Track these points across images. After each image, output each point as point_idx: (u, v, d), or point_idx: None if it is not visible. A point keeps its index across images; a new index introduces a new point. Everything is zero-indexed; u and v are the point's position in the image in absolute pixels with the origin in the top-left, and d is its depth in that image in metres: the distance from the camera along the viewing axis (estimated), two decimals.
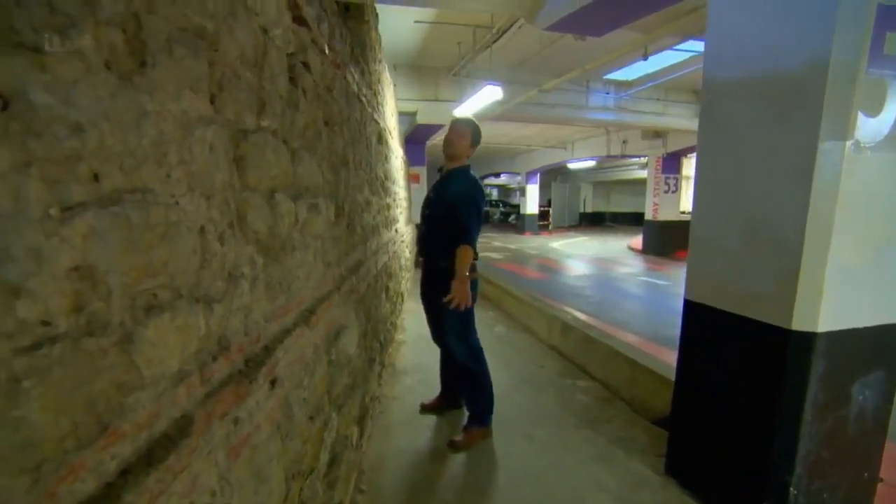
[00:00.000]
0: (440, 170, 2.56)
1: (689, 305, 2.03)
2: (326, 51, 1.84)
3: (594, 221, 26.02)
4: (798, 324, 1.50)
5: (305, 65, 1.54)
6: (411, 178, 8.08)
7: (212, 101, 0.86)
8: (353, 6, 3.07)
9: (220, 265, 0.84)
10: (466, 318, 2.42)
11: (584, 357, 3.64)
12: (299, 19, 1.48)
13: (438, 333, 2.62)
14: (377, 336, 2.78)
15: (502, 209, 24.75)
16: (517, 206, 21.62)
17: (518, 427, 2.69)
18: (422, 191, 8.82)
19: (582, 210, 25.71)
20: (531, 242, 15.08)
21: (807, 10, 1.44)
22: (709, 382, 1.91)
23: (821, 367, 1.52)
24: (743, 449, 1.73)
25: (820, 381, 1.53)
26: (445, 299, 2.24)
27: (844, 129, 1.36)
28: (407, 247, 6.13)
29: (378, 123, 3.50)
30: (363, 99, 2.76)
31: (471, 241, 2.27)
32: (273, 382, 0.96)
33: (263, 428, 0.89)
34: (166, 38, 0.71)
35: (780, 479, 1.61)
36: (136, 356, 0.58)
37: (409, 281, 6.23)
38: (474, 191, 2.33)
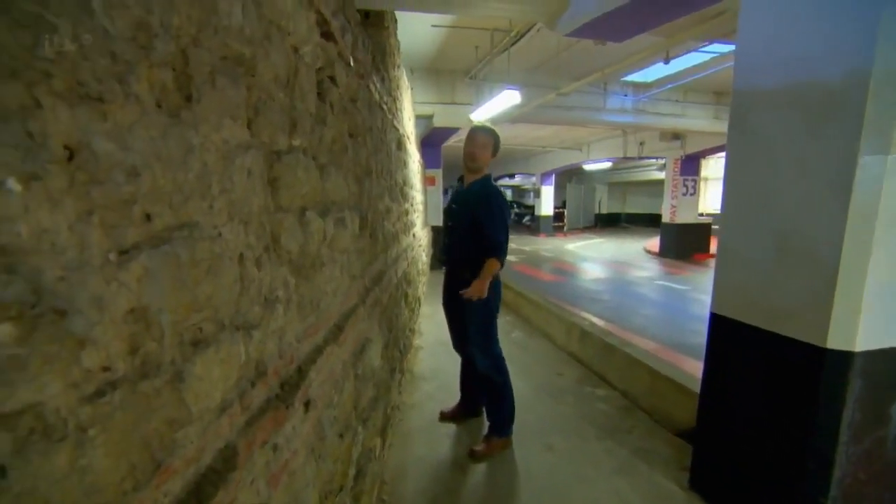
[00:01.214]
0: (460, 179, 2.56)
1: (715, 319, 1.99)
2: (351, 62, 1.84)
3: (609, 222, 25.76)
4: (834, 342, 1.46)
5: (332, 79, 1.55)
6: (427, 181, 8.09)
7: (248, 126, 0.87)
8: (373, 13, 3.08)
9: (257, 291, 0.84)
10: (489, 327, 2.41)
11: (602, 365, 3.60)
12: (327, 34, 1.49)
13: (460, 342, 2.62)
14: (397, 345, 2.79)
15: (516, 210, 24.60)
16: (532, 207, 21.50)
17: (538, 436, 2.67)
18: (437, 193, 8.83)
19: (597, 211, 25.47)
20: (546, 244, 14.99)
21: (846, 19, 1.40)
22: (737, 398, 1.87)
23: (858, 386, 1.48)
24: (773, 468, 1.69)
25: (857, 401, 1.49)
26: (462, 292, 2.25)
27: (887, 144, 1.32)
28: (423, 251, 6.14)
29: (397, 130, 3.51)
30: (384, 107, 2.77)
31: (500, 255, 2.27)
32: (307, 405, 0.96)
33: (300, 452, 0.89)
34: (210, 69, 0.72)
35: (813, 501, 1.57)
36: (186, 393, 0.58)
37: (424, 285, 6.24)
38: (499, 202, 2.32)
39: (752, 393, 1.79)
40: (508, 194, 31.81)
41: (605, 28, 2.90)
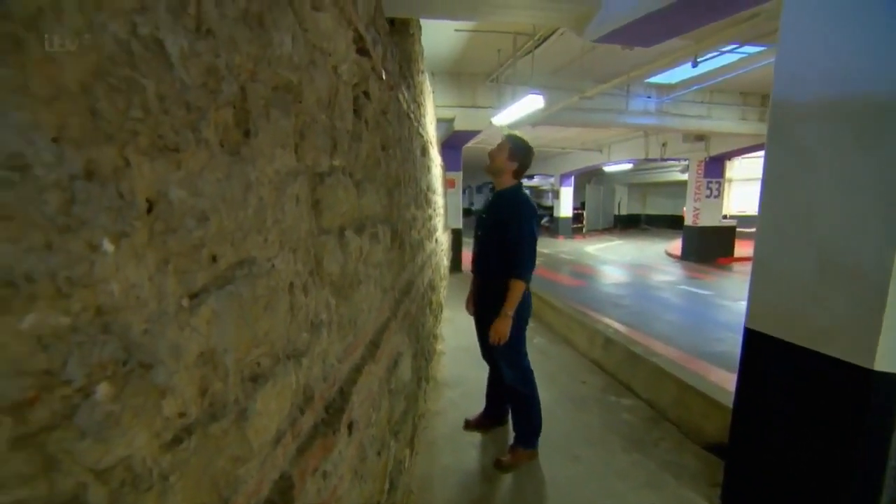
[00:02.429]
0: (492, 189, 2.55)
1: (750, 334, 1.94)
2: (383, 75, 1.85)
3: (629, 224, 25.43)
4: (882, 364, 1.41)
5: (366, 94, 1.55)
6: (447, 184, 8.09)
7: (295, 152, 0.88)
8: (399, 20, 3.09)
9: (304, 317, 0.85)
10: (517, 340, 2.40)
11: (627, 374, 3.55)
12: (362, 50, 1.50)
13: (488, 352, 2.61)
14: (424, 353, 2.80)
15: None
16: (550, 208, 21.34)
17: (564, 447, 2.65)
18: (457, 196, 8.83)
19: (617, 212, 25.17)
20: (565, 246, 14.87)
21: None
22: (774, 415, 1.83)
23: None
24: (814, 489, 1.65)
25: None
26: (490, 339, 2.26)
27: None
28: (445, 254, 6.15)
29: (422, 136, 3.52)
30: (411, 115, 2.78)
31: (524, 275, 2.24)
32: (350, 427, 0.97)
33: (345, 477, 0.90)
34: (264, 102, 0.73)
35: None
36: (248, 430, 0.59)
37: (445, 289, 6.24)
38: (527, 214, 2.28)
39: (790, 411, 1.75)
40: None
41: (634, 34, 2.86)
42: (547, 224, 21.17)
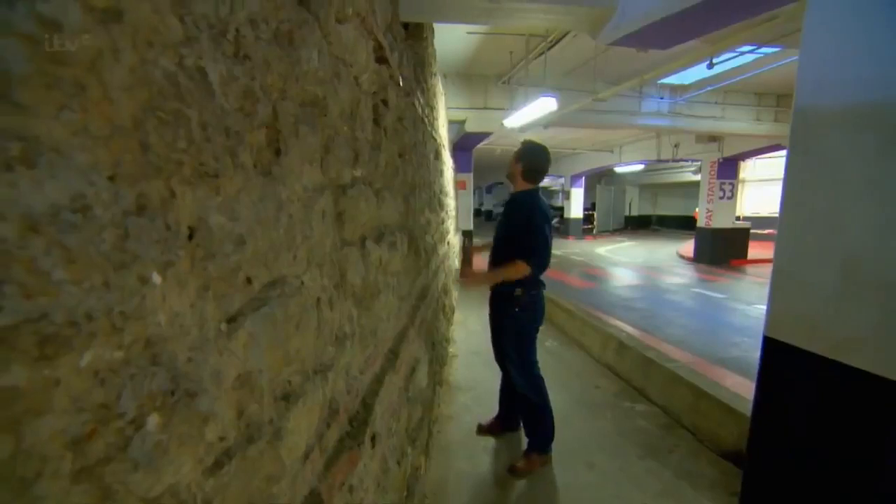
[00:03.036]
0: (492, 223, 2.58)
1: (769, 343, 1.91)
2: (401, 82, 1.86)
3: (640, 225, 25.22)
4: None
5: (385, 102, 1.56)
6: (458, 185, 8.09)
7: (320, 166, 0.89)
8: (413, 24, 3.10)
9: (330, 331, 0.86)
10: (524, 347, 2.40)
11: (641, 379, 3.52)
12: (381, 58, 1.50)
13: (500, 357, 2.61)
14: (438, 359, 2.80)
15: None
16: (560, 209, 21.26)
17: (578, 453, 2.63)
18: (468, 197, 8.82)
19: (627, 213, 24.98)
20: (575, 248, 14.78)
21: None
22: (794, 427, 1.80)
23: None
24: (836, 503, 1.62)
25: None
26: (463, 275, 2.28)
27: None
28: (456, 257, 6.14)
29: (435, 140, 3.52)
30: (425, 120, 2.78)
31: (531, 260, 2.20)
32: (373, 439, 0.97)
33: (370, 489, 0.91)
34: (293, 120, 0.73)
35: None
36: (281, 449, 0.60)
37: (456, 291, 6.24)
38: (532, 216, 2.27)
39: (812, 422, 1.72)
40: None
41: (650, 37, 2.83)
42: (557, 225, 21.08)
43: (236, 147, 0.52)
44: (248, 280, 0.56)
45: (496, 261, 2.40)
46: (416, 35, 3.05)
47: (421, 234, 2.36)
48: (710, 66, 4.45)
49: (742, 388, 3.32)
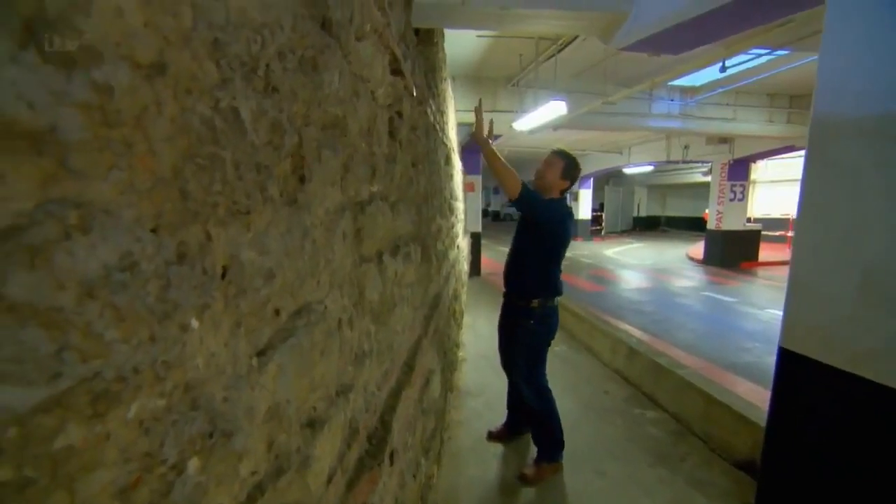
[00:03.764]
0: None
1: (784, 354, 1.90)
2: (414, 92, 1.86)
3: (648, 226, 25.06)
4: None
5: (399, 114, 1.56)
6: (466, 187, 8.08)
7: (341, 186, 0.89)
8: (424, 30, 3.10)
9: (350, 351, 0.86)
10: (534, 359, 2.40)
11: (652, 385, 3.50)
12: (396, 70, 1.51)
13: (508, 365, 2.61)
14: (450, 366, 2.80)
15: None
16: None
17: (589, 461, 2.62)
18: (476, 199, 8.81)
19: (636, 214, 24.83)
20: (583, 249, 14.72)
21: None
22: (810, 439, 1.78)
23: None
24: None
25: None
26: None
27: None
28: (465, 260, 6.14)
29: (446, 146, 3.52)
30: (437, 126, 2.78)
31: (521, 187, 2.22)
32: (392, 456, 0.98)
33: None
34: (316, 144, 0.74)
35: None
36: (308, 476, 0.60)
37: (465, 294, 6.24)
38: (555, 212, 2.31)
39: (828, 435, 1.70)
40: None
41: (663, 43, 2.82)
42: None
43: (266, 181, 0.53)
44: (277, 312, 0.56)
45: (517, 273, 2.38)
46: (427, 40, 3.05)
47: (432, 242, 2.36)
48: (723, 69, 4.41)
49: (755, 396, 3.29)
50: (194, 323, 0.39)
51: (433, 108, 2.60)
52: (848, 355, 1.62)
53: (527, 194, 2.21)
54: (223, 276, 0.46)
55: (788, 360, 1.88)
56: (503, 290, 2.55)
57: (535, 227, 2.31)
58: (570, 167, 2.35)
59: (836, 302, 1.66)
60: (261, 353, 0.52)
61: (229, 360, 0.45)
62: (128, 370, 0.31)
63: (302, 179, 0.68)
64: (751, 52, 5.46)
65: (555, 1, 2.74)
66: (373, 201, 1.12)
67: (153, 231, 0.34)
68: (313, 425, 0.64)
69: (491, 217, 29.34)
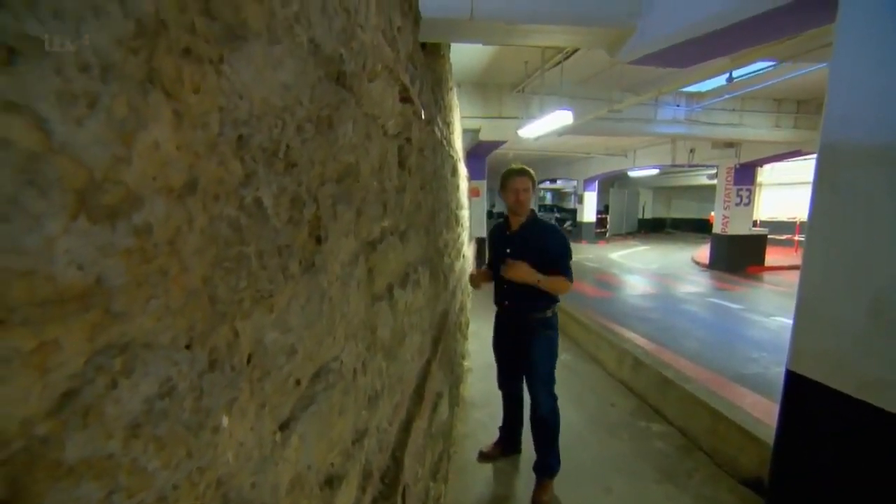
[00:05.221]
0: (503, 221, 2.56)
1: (792, 377, 1.90)
2: (423, 114, 1.87)
3: (654, 228, 24.96)
4: None
5: (408, 140, 1.57)
6: (471, 192, 8.09)
7: (354, 233, 0.90)
8: (431, 43, 3.11)
9: (364, 395, 0.87)
10: (552, 369, 2.43)
11: (658, 398, 3.50)
12: (405, 98, 1.52)
13: (512, 381, 2.63)
14: (458, 384, 2.81)
15: (557, 215, 24.21)
16: (573, 212, 21.13)
17: (595, 477, 2.62)
18: (481, 204, 8.82)
19: (641, 216, 24.74)
20: (588, 252, 14.69)
21: None
22: (818, 464, 1.78)
23: None
24: None
25: None
26: (508, 264, 2.30)
27: None
28: (470, 266, 6.14)
29: (452, 157, 3.53)
30: (444, 142, 2.80)
31: (570, 279, 2.32)
32: (404, 493, 0.99)
33: None
34: (332, 201, 0.75)
35: None
36: None
37: (470, 301, 6.24)
38: (564, 236, 2.37)
39: (837, 461, 1.70)
40: (548, 198, 31.40)
41: (670, 57, 2.82)
42: (570, 228, 20.97)
43: (287, 261, 0.54)
44: (297, 382, 0.58)
45: (531, 293, 2.37)
46: (433, 52, 3.06)
47: (439, 259, 2.38)
48: (730, 79, 4.40)
49: (762, 408, 3.29)
50: (224, 421, 0.40)
51: (440, 124, 2.61)
52: (857, 382, 1.62)
53: (571, 275, 2.33)
54: (248, 361, 0.47)
55: (796, 384, 1.88)
56: (502, 305, 2.55)
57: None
58: (535, 184, 2.45)
59: (845, 328, 1.66)
60: (283, 427, 0.53)
61: (255, 444, 0.47)
62: (168, 490, 0.33)
63: (319, 240, 0.69)
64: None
65: (561, 16, 2.75)
66: (384, 238, 1.13)
67: (187, 347, 0.36)
68: (332, 483, 0.65)
69: (496, 218, 29.22)
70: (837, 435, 1.71)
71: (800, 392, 1.86)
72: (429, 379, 1.52)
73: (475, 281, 2.68)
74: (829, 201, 1.72)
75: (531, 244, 2.37)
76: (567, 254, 2.34)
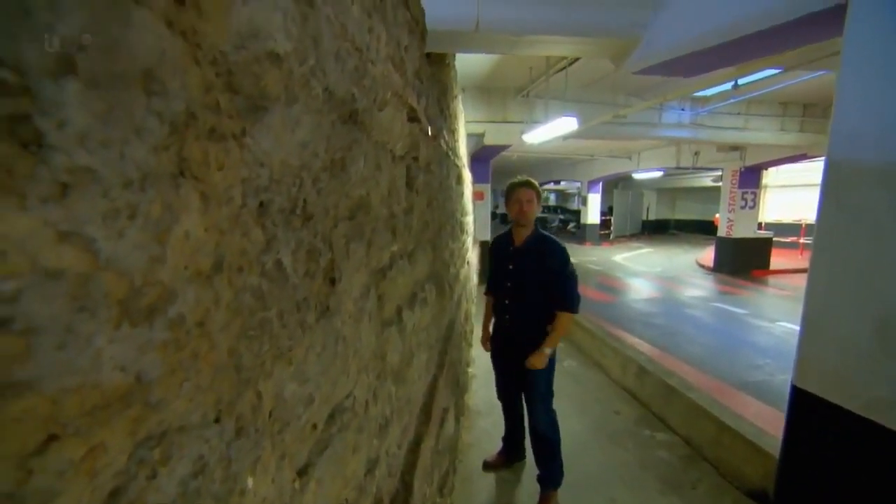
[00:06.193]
0: (505, 234, 2.57)
1: (797, 392, 1.90)
2: (430, 131, 1.88)
3: (657, 229, 24.88)
4: None
5: (416, 158, 1.58)
6: (475, 196, 8.10)
7: (366, 265, 0.91)
8: (436, 53, 3.12)
9: (375, 424, 0.89)
10: (551, 383, 2.42)
11: (662, 406, 3.50)
12: (412, 118, 1.53)
13: (511, 392, 2.64)
14: (462, 390, 2.82)
15: (561, 216, 24.17)
16: (576, 213, 21.11)
17: (599, 487, 2.63)
18: (486, 208, 8.82)
19: (645, 217, 24.67)
20: (592, 255, 14.67)
21: None
22: (823, 480, 1.79)
23: None
24: None
25: None
26: (528, 363, 2.30)
27: None
28: (474, 272, 6.16)
29: (457, 166, 3.54)
30: (450, 154, 2.81)
31: (576, 308, 2.32)
32: None
33: None
34: (345, 241, 0.76)
35: None
36: None
37: (475, 306, 6.25)
38: (566, 255, 2.37)
39: (842, 478, 1.71)
40: (552, 199, 31.35)
41: (676, 67, 2.82)
42: (573, 230, 20.94)
43: (305, 315, 0.56)
44: (314, 426, 0.59)
45: (534, 308, 2.39)
46: (439, 62, 3.07)
47: (445, 272, 2.39)
48: (735, 86, 4.39)
49: (767, 417, 3.29)
50: (250, 483, 0.42)
51: (446, 137, 2.62)
52: (863, 400, 1.62)
53: (572, 303, 2.33)
54: (269, 416, 0.49)
55: (802, 399, 1.88)
56: (503, 318, 2.56)
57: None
58: (540, 197, 2.46)
59: (851, 346, 1.66)
60: (301, 473, 0.55)
61: (276, 496, 0.48)
62: None
63: (333, 282, 0.70)
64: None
65: (566, 27, 2.76)
66: (393, 264, 1.14)
67: (216, 421, 0.37)
68: None
69: (500, 219, 29.30)
70: (843, 451, 1.71)
71: (805, 408, 1.87)
72: (436, 396, 1.53)
73: (486, 346, 2.74)
74: (836, 219, 1.73)
75: (534, 263, 2.37)
76: (571, 280, 2.33)
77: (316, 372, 0.59)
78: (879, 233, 1.57)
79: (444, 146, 2.56)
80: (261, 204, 0.46)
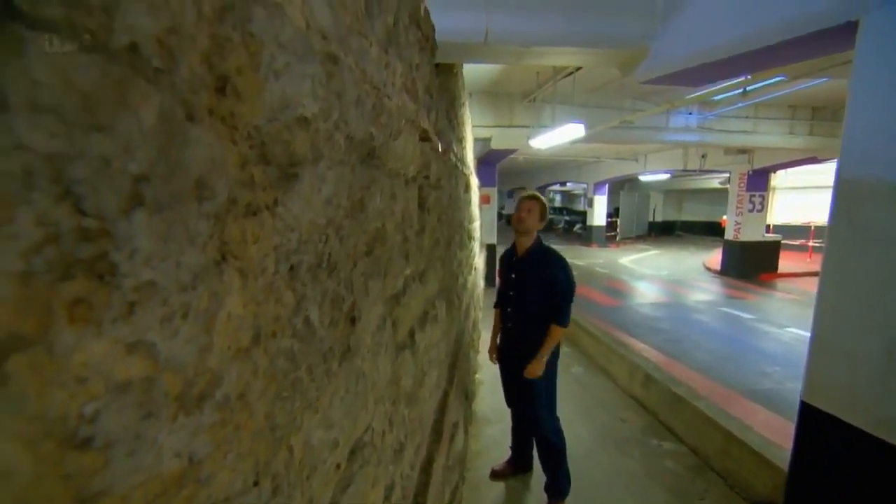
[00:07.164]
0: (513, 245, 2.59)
1: (806, 408, 1.91)
2: (440, 147, 1.90)
3: (664, 231, 24.76)
4: None
5: (427, 177, 1.60)
6: (482, 199, 8.11)
7: (382, 298, 0.93)
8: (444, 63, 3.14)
9: (390, 450, 0.91)
10: (553, 387, 2.45)
11: (669, 415, 3.50)
12: (424, 138, 1.54)
13: (516, 398, 2.65)
14: (470, 398, 2.84)
15: (567, 217, 24.10)
16: (583, 214, 21.05)
17: (606, 497, 2.64)
18: (492, 211, 8.83)
19: (651, 219, 24.54)
20: (598, 257, 14.63)
21: None
22: (833, 496, 1.79)
23: None
24: None
25: None
26: (525, 373, 2.32)
27: None
28: (481, 277, 6.17)
29: (465, 175, 3.56)
30: (458, 165, 2.83)
31: (566, 321, 2.32)
32: None
33: None
34: (364, 279, 0.78)
35: None
36: None
37: (481, 310, 6.26)
38: (566, 266, 2.37)
39: (851, 494, 1.71)
40: (558, 200, 31.27)
41: (685, 78, 2.83)
42: (579, 231, 20.89)
43: (331, 363, 0.58)
44: (338, 466, 0.61)
45: (527, 314, 2.41)
46: (447, 71, 3.08)
47: (454, 283, 2.41)
48: (744, 92, 4.37)
49: (775, 426, 3.28)
50: None
51: (454, 145, 2.64)
52: (873, 418, 1.63)
53: (564, 318, 2.33)
54: (299, 464, 0.51)
55: (810, 415, 1.89)
56: (506, 326, 2.58)
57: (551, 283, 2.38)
58: (544, 210, 2.45)
59: (860, 364, 1.67)
60: None
61: None
62: None
63: (353, 321, 0.72)
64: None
65: (574, 38, 2.77)
66: (406, 289, 1.16)
67: (255, 484, 0.39)
68: None
69: (505, 220, 29.25)
70: (852, 468, 1.72)
71: (814, 424, 1.87)
72: (446, 412, 1.55)
73: (492, 358, 2.75)
74: (846, 236, 1.73)
75: (534, 276, 2.40)
76: (568, 295, 2.35)
77: (340, 415, 0.61)
78: (890, 250, 1.57)
79: (454, 158, 2.58)
80: (291, 267, 0.48)
